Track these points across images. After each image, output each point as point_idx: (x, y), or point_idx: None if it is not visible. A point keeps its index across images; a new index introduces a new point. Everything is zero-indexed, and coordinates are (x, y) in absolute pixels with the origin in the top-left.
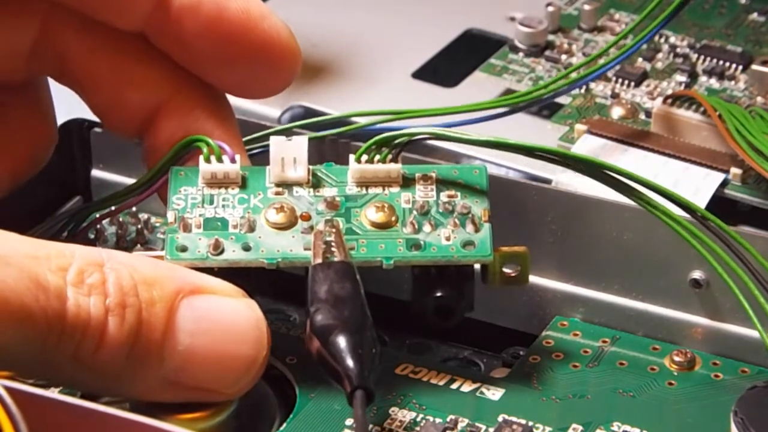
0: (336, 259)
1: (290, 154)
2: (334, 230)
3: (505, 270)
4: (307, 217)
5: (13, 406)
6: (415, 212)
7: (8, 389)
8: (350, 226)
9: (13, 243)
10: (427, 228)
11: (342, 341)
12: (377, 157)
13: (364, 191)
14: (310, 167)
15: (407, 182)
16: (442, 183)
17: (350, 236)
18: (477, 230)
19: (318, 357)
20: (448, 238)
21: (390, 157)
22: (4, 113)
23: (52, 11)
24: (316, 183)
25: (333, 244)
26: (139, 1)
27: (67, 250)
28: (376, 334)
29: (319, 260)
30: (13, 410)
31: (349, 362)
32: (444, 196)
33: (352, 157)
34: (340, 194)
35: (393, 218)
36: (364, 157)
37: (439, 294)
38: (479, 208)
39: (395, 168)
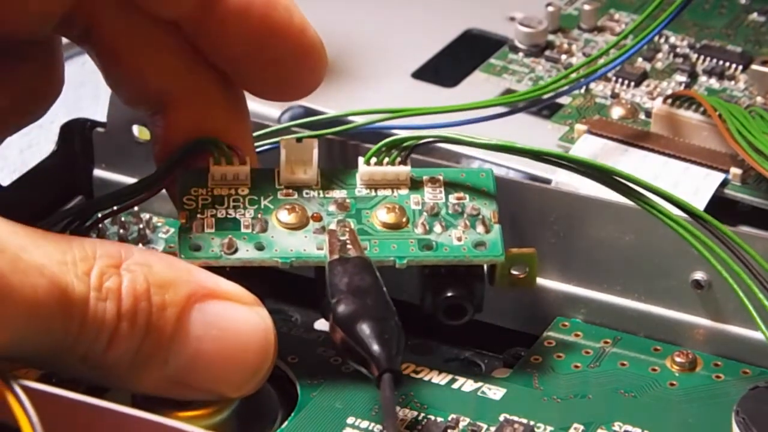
0: (352, 255)
1: (300, 156)
2: (347, 229)
3: (513, 271)
4: (318, 218)
5: (29, 404)
6: (425, 214)
7: (24, 388)
8: (362, 227)
9: (44, 247)
10: (438, 229)
11: (366, 328)
12: (386, 159)
13: (373, 193)
14: (319, 169)
15: (415, 184)
16: (450, 185)
17: (362, 236)
18: (487, 231)
19: (342, 346)
20: (459, 239)
21: (399, 159)
22: (20, 67)
23: None
24: (325, 185)
25: (348, 242)
26: None
27: (90, 250)
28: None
29: (336, 256)
30: (27, 407)
31: (375, 347)
32: (453, 198)
33: (361, 160)
34: (350, 196)
35: (404, 219)
36: (373, 160)
37: (450, 294)
38: (488, 210)
39: (404, 171)
